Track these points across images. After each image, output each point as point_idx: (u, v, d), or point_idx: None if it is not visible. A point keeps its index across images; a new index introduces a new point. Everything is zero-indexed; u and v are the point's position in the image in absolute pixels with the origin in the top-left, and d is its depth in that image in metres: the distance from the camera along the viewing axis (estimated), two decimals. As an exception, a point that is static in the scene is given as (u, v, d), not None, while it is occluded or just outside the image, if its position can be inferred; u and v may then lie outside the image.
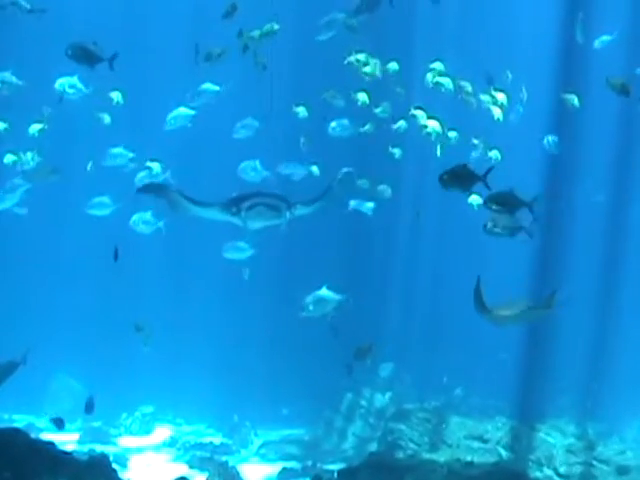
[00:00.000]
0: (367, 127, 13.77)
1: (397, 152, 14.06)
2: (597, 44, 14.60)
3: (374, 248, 17.10)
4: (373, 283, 16.91)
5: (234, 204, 10.92)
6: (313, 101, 13.71)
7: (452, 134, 13.52)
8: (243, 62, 12.87)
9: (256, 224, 11.15)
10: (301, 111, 13.59)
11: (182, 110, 14.10)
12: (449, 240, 17.75)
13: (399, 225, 16.80)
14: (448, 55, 13.98)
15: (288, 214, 10.91)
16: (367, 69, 12.76)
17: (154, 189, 11.41)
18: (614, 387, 15.10)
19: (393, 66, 13.37)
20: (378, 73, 12.91)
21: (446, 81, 13.23)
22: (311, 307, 12.67)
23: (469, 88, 13.33)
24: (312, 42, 13.91)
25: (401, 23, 16.49)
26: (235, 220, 10.99)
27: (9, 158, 13.06)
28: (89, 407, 12.76)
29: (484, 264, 17.73)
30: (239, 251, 14.48)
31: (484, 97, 13.35)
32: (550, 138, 13.98)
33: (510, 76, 13.78)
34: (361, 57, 12.79)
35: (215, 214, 11.17)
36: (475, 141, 13.68)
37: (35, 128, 13.34)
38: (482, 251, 17.93)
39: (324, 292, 12.84)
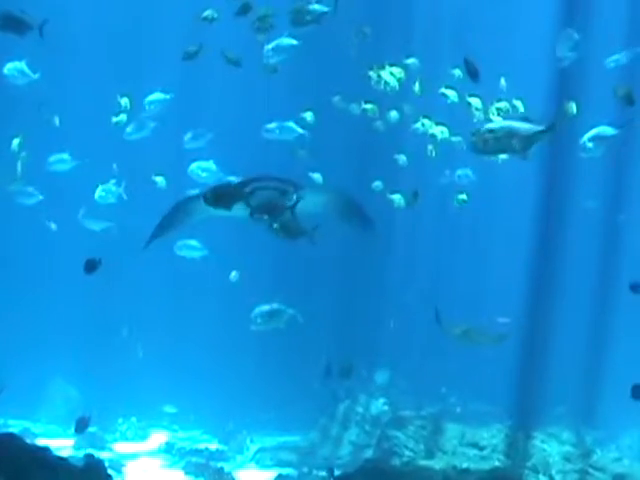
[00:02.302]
0: (378, 123, 13.77)
1: (402, 158, 14.13)
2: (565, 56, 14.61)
3: (370, 254, 17.09)
4: (369, 290, 16.90)
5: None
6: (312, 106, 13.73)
7: (456, 138, 13.66)
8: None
9: (262, 211, 9.95)
10: (308, 116, 13.58)
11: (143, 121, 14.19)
12: (447, 246, 17.76)
13: (396, 231, 16.80)
14: (445, 60, 14.02)
15: (295, 198, 9.70)
16: (388, 76, 12.72)
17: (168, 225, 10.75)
18: (611, 394, 15.09)
19: (413, 62, 13.44)
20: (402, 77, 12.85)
21: (452, 94, 13.33)
22: (259, 320, 12.70)
23: (479, 104, 13.35)
24: (311, 45, 13.91)
25: (399, 28, 16.53)
26: (239, 209, 9.70)
27: None
28: (81, 426, 12.61)
29: (482, 270, 17.81)
30: (192, 250, 14.61)
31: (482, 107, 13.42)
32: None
33: (504, 83, 13.81)
34: (383, 72, 12.80)
35: None
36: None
37: (15, 142, 13.59)
38: (479, 257, 17.98)
39: (275, 306, 12.86)
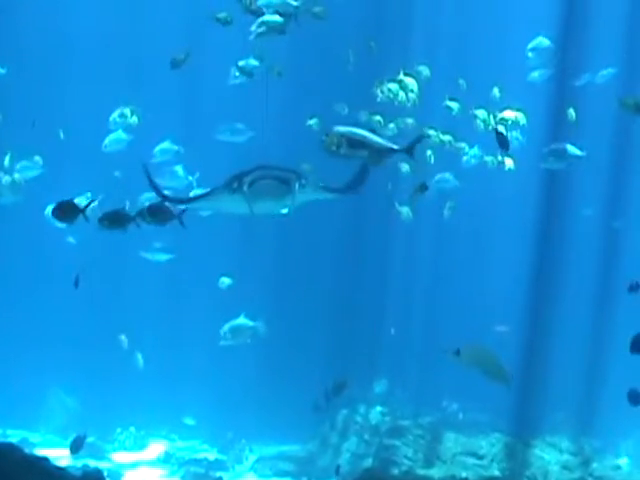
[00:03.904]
0: (392, 126, 13.77)
1: (405, 167, 14.16)
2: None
3: (369, 263, 17.11)
4: (368, 298, 16.90)
5: (235, 179, 9.13)
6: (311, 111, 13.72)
7: (462, 144, 13.78)
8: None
9: (262, 204, 9.24)
10: (314, 123, 13.57)
11: (119, 134, 14.16)
12: (446, 254, 17.77)
13: (395, 240, 16.82)
14: (444, 70, 14.06)
15: (297, 186, 8.97)
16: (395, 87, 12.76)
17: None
18: (609, 403, 15.09)
19: (425, 71, 13.51)
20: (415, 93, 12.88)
21: (455, 105, 13.41)
22: (229, 336, 12.88)
23: (485, 115, 13.42)
24: (310, 49, 13.95)
25: (398, 38, 16.56)
26: (238, 201, 9.14)
27: None
28: (76, 446, 12.56)
29: (480, 278, 17.81)
30: (158, 253, 14.66)
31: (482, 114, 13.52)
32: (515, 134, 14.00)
33: (498, 93, 13.83)
34: (393, 86, 12.83)
35: (216, 198, 9.49)
36: (488, 158, 13.82)
37: (7, 158, 13.65)
38: (478, 266, 17.98)
39: (241, 320, 13.03)
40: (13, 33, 16.66)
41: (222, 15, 11.79)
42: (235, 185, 9.06)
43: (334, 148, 7.93)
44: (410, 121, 13.70)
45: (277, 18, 11.01)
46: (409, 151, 8.34)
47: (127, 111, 13.85)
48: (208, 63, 14.14)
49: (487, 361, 8.48)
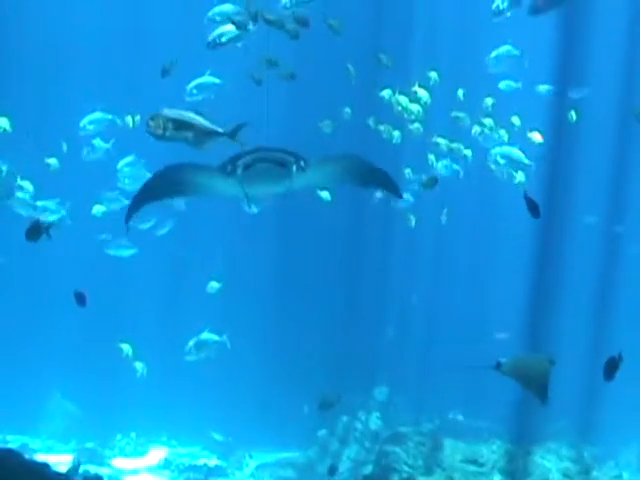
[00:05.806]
0: (397, 134, 13.79)
1: (408, 171, 14.20)
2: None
3: (370, 269, 17.12)
4: (368, 306, 16.91)
5: (229, 162, 8.52)
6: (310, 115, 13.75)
7: (467, 152, 13.89)
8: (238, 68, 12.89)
9: (258, 188, 8.68)
10: (326, 126, 13.56)
11: (97, 142, 14.15)
12: (445, 261, 17.78)
13: (394, 247, 16.84)
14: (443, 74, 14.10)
15: (295, 169, 8.40)
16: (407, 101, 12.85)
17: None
18: (610, 411, 15.08)
19: (434, 76, 13.57)
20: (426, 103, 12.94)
21: (462, 115, 13.51)
22: (193, 350, 13.09)
23: (491, 123, 13.50)
24: (311, 52, 13.92)
25: (399, 40, 16.60)
26: (232, 185, 8.58)
27: None
28: (72, 473, 12.54)
29: (480, 286, 17.82)
30: (122, 249, 14.66)
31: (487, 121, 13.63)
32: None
33: (492, 101, 13.85)
34: (403, 99, 12.89)
35: (209, 180, 8.90)
36: (492, 166, 13.88)
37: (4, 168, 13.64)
38: (478, 273, 17.99)
39: (205, 335, 13.19)
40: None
41: (237, 18, 11.72)
42: (229, 168, 8.50)
43: (160, 131, 7.83)
44: (416, 126, 13.78)
45: (233, 29, 11.13)
46: (232, 135, 8.11)
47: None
48: (208, 67, 14.11)
49: (532, 374, 8.35)
